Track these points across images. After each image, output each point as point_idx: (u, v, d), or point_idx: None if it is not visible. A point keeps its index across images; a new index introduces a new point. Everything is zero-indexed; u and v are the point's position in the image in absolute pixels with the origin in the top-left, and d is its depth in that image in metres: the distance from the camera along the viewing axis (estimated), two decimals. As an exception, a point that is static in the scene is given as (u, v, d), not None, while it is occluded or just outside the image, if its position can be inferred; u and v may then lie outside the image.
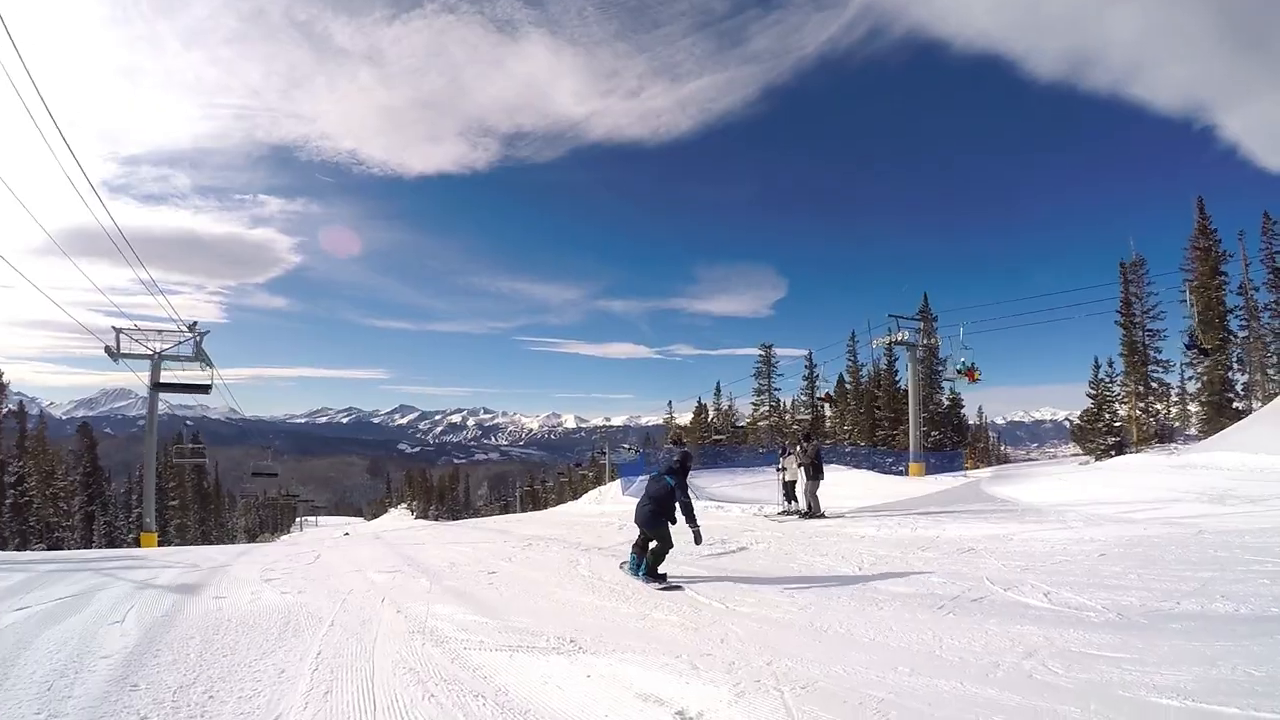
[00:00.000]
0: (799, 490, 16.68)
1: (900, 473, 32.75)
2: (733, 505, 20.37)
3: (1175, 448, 30.52)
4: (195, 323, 27.86)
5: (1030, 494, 17.29)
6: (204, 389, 28.43)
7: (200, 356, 27.73)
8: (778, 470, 18.14)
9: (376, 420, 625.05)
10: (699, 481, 25.65)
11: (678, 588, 7.24)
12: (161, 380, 27.43)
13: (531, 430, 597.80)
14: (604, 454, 69.49)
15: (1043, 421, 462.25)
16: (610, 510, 23.61)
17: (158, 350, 27.16)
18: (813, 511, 15.90)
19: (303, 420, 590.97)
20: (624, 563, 8.37)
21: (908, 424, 41.56)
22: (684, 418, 65.20)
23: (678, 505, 7.53)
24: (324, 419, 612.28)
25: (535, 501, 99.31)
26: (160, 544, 46.83)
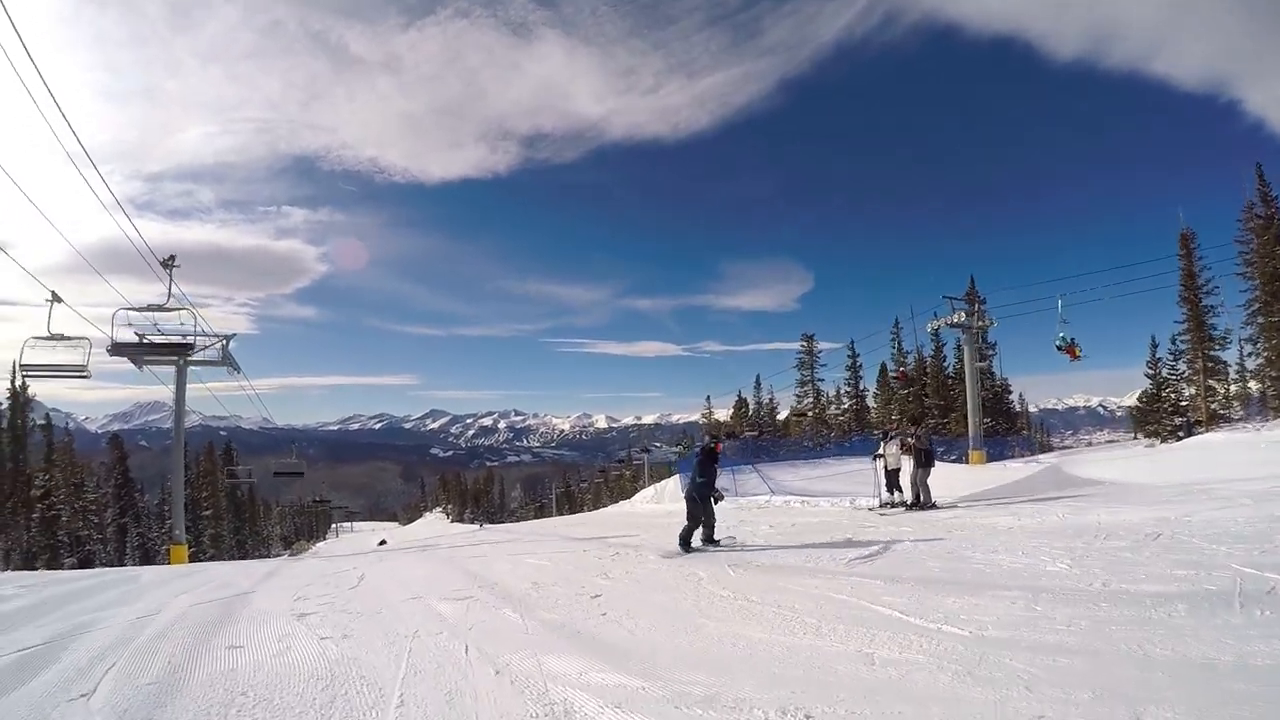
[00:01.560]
0: (905, 479, 14.96)
1: (955, 461, 30.26)
2: (818, 499, 18.28)
3: (1258, 425, 28.39)
4: (232, 335, 26.27)
5: (1127, 475, 16.49)
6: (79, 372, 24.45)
7: (228, 361, 26.00)
8: (875, 458, 16.02)
9: (408, 425, 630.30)
10: (776, 474, 23.63)
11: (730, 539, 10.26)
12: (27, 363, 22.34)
13: (563, 431, 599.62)
14: (646, 452, 67.72)
15: (1076, 408, 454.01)
16: (675, 509, 21.47)
17: (183, 356, 25.46)
18: (923, 502, 14.12)
19: (335, 428, 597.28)
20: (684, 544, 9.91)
21: (958, 411, 40.36)
22: (722, 413, 63.21)
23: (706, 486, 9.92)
24: (356, 426, 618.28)
25: (571, 503, 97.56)
26: (193, 557, 45.66)
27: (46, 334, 21.13)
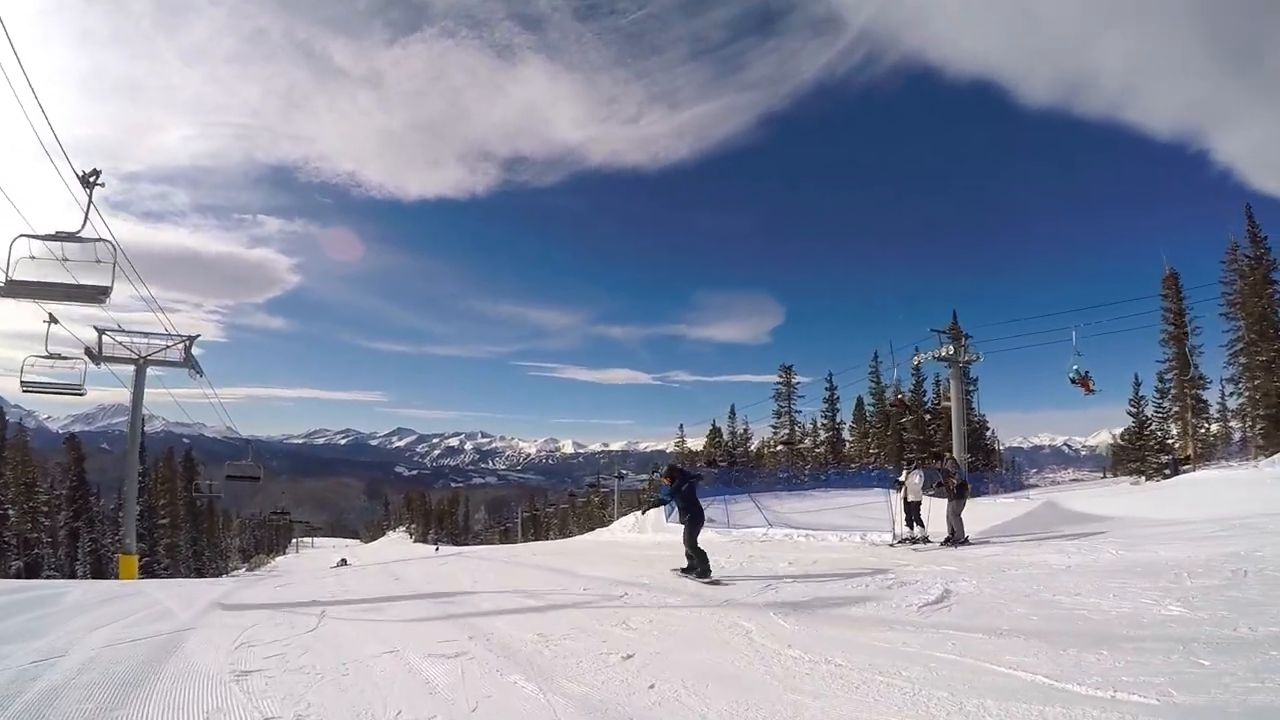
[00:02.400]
0: (925, 513, 14.20)
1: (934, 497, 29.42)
2: (823, 533, 16.92)
3: (1255, 462, 28.60)
4: (195, 336, 24.53)
5: (1131, 510, 16.38)
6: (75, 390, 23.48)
7: (190, 363, 24.24)
8: (894, 488, 15.00)
9: (374, 442, 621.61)
10: (774, 505, 22.31)
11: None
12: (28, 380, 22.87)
13: (529, 455, 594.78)
14: (620, 478, 66.15)
15: (1041, 447, 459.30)
16: (662, 540, 19.95)
17: (142, 355, 23.65)
18: (957, 537, 13.17)
19: (300, 441, 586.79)
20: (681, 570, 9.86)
21: (938, 447, 39.46)
22: (695, 442, 61.84)
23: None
24: (321, 440, 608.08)
25: (537, 527, 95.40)
26: (146, 567, 42.77)
27: (45, 353, 21.66)
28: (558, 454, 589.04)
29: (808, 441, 49.44)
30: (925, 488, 14.49)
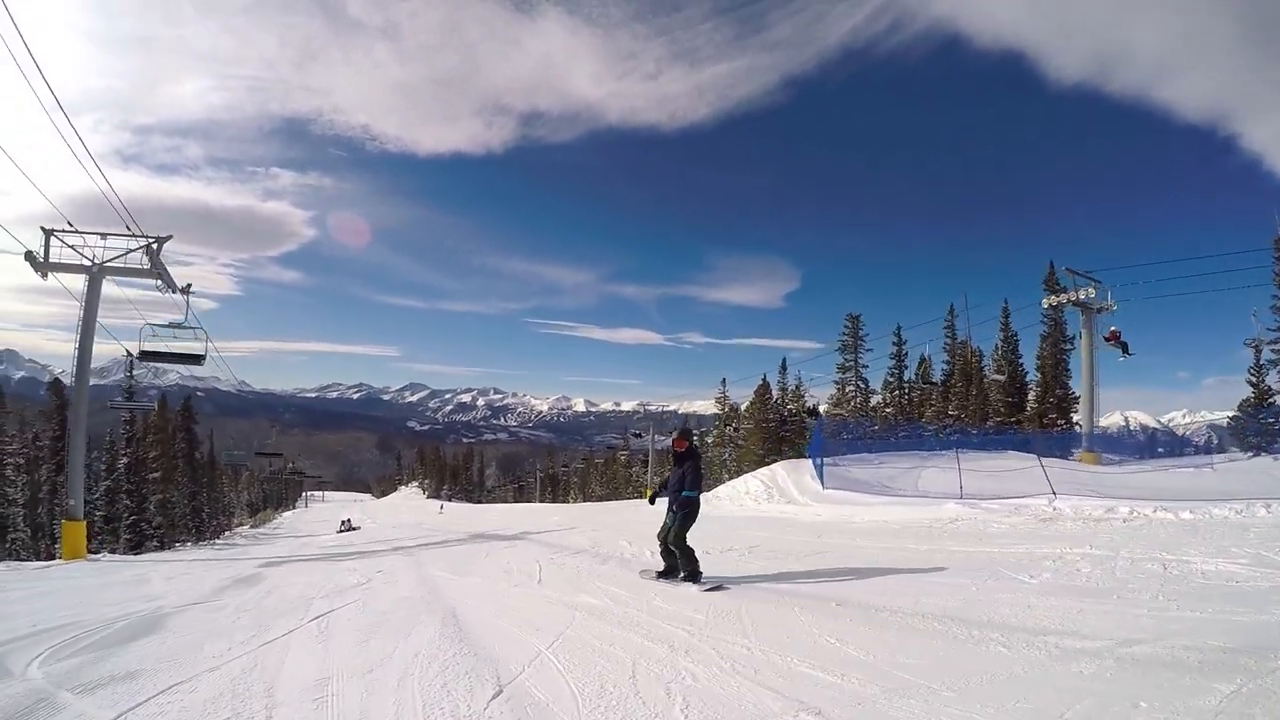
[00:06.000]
0: None
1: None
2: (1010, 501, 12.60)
3: None
4: (167, 237, 19.84)
5: None
6: (194, 360, 21.48)
7: (158, 271, 19.57)
8: None
9: (386, 397, 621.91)
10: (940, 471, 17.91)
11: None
12: (147, 349, 20.75)
13: (541, 412, 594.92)
14: (638, 435, 61.61)
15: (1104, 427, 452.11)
16: (822, 512, 15.46)
17: (97, 261, 19.03)
18: None
19: (313, 395, 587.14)
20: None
21: (1028, 412, 36.63)
22: (741, 397, 56.76)
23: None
24: (334, 394, 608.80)
25: (555, 486, 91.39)
26: (134, 526, 38.65)
27: (165, 322, 20.61)
28: (569, 412, 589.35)
29: (875, 400, 44.47)
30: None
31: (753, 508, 18.82)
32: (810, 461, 22.55)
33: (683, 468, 7.50)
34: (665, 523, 7.57)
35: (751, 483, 22.27)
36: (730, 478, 51.21)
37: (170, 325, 20.74)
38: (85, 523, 18.62)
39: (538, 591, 7.57)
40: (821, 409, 45.62)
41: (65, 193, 18.47)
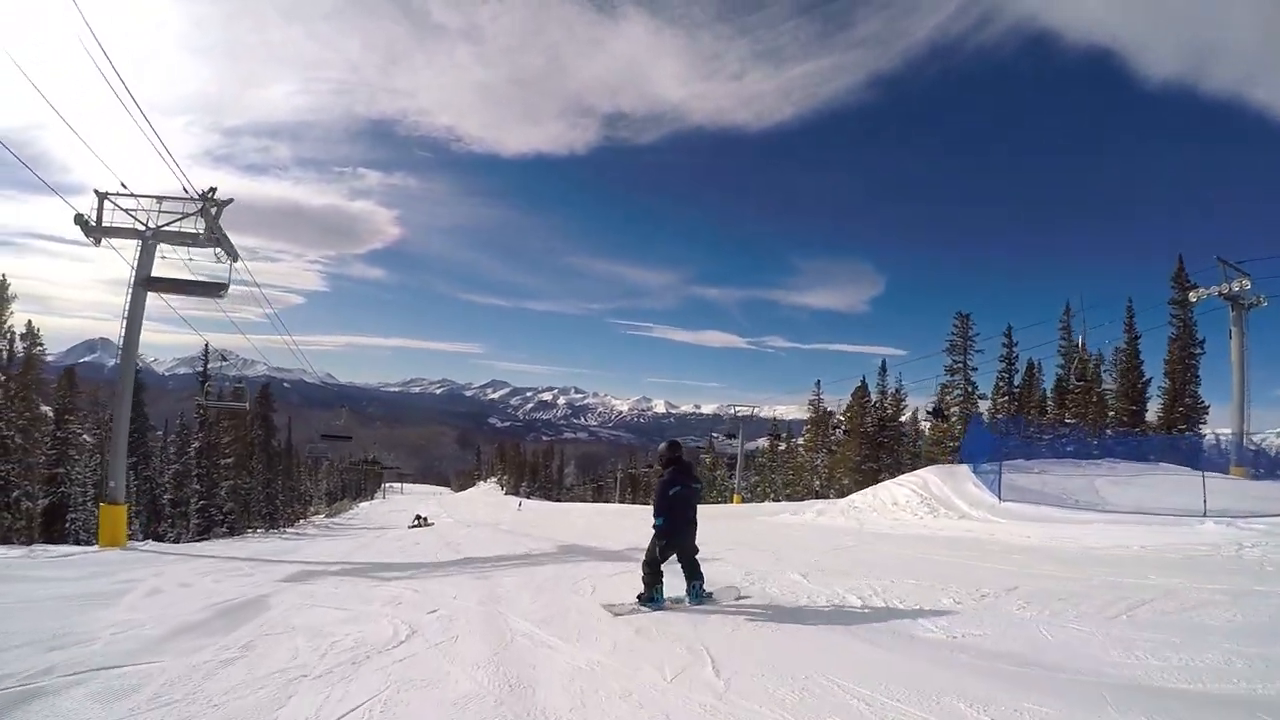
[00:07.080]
0: None
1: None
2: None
3: None
4: (213, 190, 17.69)
5: None
6: (216, 289, 18.23)
7: (217, 238, 17.65)
8: None
9: (469, 393, 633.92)
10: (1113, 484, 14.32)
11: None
12: (155, 275, 17.46)
13: (621, 413, 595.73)
14: (731, 437, 58.37)
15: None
16: (1019, 531, 12.21)
17: (151, 226, 17.17)
18: None
19: (397, 389, 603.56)
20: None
21: (1151, 420, 33.32)
22: (835, 401, 52.94)
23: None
24: (417, 389, 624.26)
25: (635, 486, 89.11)
26: (205, 512, 37.74)
27: (204, 231, 17.53)
28: (649, 413, 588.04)
29: (985, 405, 40.27)
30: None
31: (914, 523, 15.57)
32: (967, 468, 19.33)
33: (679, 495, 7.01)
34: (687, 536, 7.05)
35: (898, 491, 19.02)
36: (821, 484, 48.17)
37: (189, 238, 17.65)
38: (126, 507, 16.85)
39: (732, 703, 3.83)
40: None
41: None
